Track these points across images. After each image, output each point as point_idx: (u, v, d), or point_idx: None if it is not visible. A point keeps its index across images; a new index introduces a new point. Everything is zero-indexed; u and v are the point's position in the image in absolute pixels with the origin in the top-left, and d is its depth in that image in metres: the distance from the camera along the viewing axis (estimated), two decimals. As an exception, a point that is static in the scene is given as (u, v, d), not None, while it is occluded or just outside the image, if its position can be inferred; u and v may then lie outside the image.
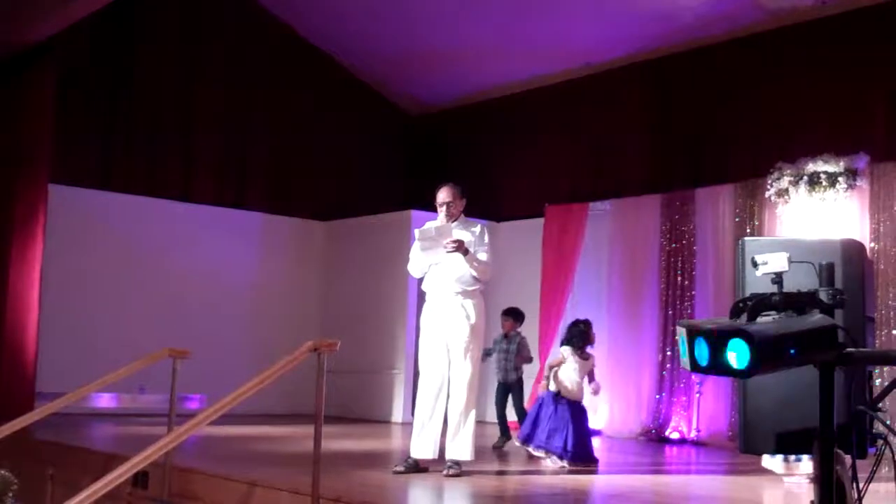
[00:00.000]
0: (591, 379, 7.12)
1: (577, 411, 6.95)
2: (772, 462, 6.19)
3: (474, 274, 6.24)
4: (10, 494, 4.88)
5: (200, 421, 4.42)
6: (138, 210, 11.14)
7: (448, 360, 6.24)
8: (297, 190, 12.58)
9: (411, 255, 6.44)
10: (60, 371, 9.37)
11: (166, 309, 10.93)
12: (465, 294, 6.27)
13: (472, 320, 6.24)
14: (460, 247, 6.11)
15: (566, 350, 7.11)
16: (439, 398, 6.24)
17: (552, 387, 7.03)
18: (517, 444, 7.26)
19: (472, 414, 6.22)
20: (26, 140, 10.03)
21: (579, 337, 7.13)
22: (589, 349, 7.21)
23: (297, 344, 4.78)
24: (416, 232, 6.31)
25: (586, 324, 7.28)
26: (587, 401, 7.20)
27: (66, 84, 10.38)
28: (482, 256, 6.27)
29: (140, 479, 5.71)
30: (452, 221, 6.34)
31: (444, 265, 6.27)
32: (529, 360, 8.71)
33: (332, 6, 11.90)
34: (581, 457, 6.81)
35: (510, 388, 8.55)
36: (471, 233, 6.32)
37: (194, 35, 11.90)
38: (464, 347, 6.20)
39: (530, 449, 7.03)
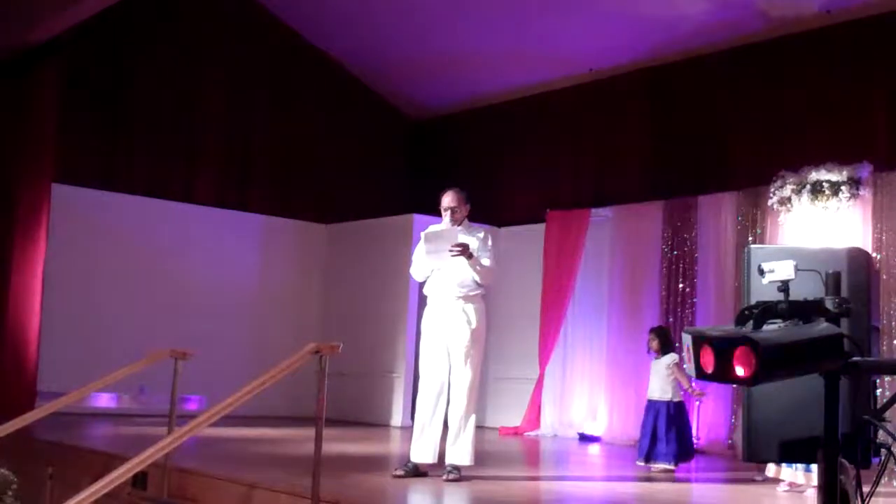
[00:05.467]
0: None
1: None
2: (787, 472, 6.17)
3: (476, 279, 6.23)
4: (10, 493, 4.88)
5: (201, 422, 4.41)
6: (140, 210, 11.14)
7: (448, 365, 6.22)
8: (299, 192, 12.58)
9: (414, 257, 6.42)
10: (61, 370, 9.37)
11: (167, 309, 10.92)
12: (467, 298, 6.26)
13: (473, 325, 6.23)
14: (464, 251, 6.10)
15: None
16: (439, 402, 6.22)
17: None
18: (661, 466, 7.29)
19: (473, 419, 6.21)
20: (30, 139, 10.04)
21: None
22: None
23: (298, 346, 4.77)
24: (422, 234, 6.29)
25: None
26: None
27: (70, 84, 10.39)
28: (486, 261, 6.25)
29: (139, 479, 5.70)
30: (457, 226, 6.33)
31: (447, 269, 6.26)
32: None
33: (336, 9, 11.90)
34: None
35: None
36: (475, 238, 6.31)
37: (198, 36, 11.90)
38: (464, 352, 6.19)
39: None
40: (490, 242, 6.37)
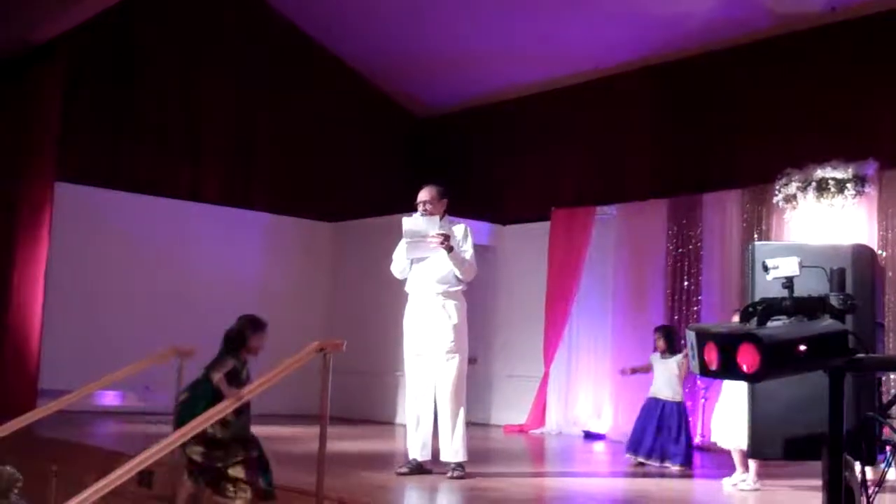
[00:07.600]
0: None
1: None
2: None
3: (457, 273, 6.22)
4: (15, 491, 4.88)
5: (205, 420, 4.41)
6: (144, 209, 11.12)
7: (433, 362, 6.22)
8: (303, 191, 12.57)
9: (395, 255, 6.43)
10: (63, 369, 9.36)
11: (172, 308, 10.90)
12: (447, 294, 6.25)
13: (454, 321, 6.23)
14: (446, 241, 6.11)
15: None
16: (427, 400, 6.24)
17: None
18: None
19: (462, 414, 6.20)
20: (33, 138, 10.05)
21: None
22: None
23: (303, 344, 4.77)
24: (403, 220, 6.27)
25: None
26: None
27: (73, 82, 10.38)
28: (465, 256, 6.26)
29: (145, 478, 5.69)
30: (436, 216, 6.32)
31: (427, 265, 6.26)
32: None
33: (339, 7, 11.90)
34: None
35: None
36: (453, 232, 6.30)
37: (201, 34, 11.88)
38: (446, 349, 6.19)
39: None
40: (469, 238, 6.37)
